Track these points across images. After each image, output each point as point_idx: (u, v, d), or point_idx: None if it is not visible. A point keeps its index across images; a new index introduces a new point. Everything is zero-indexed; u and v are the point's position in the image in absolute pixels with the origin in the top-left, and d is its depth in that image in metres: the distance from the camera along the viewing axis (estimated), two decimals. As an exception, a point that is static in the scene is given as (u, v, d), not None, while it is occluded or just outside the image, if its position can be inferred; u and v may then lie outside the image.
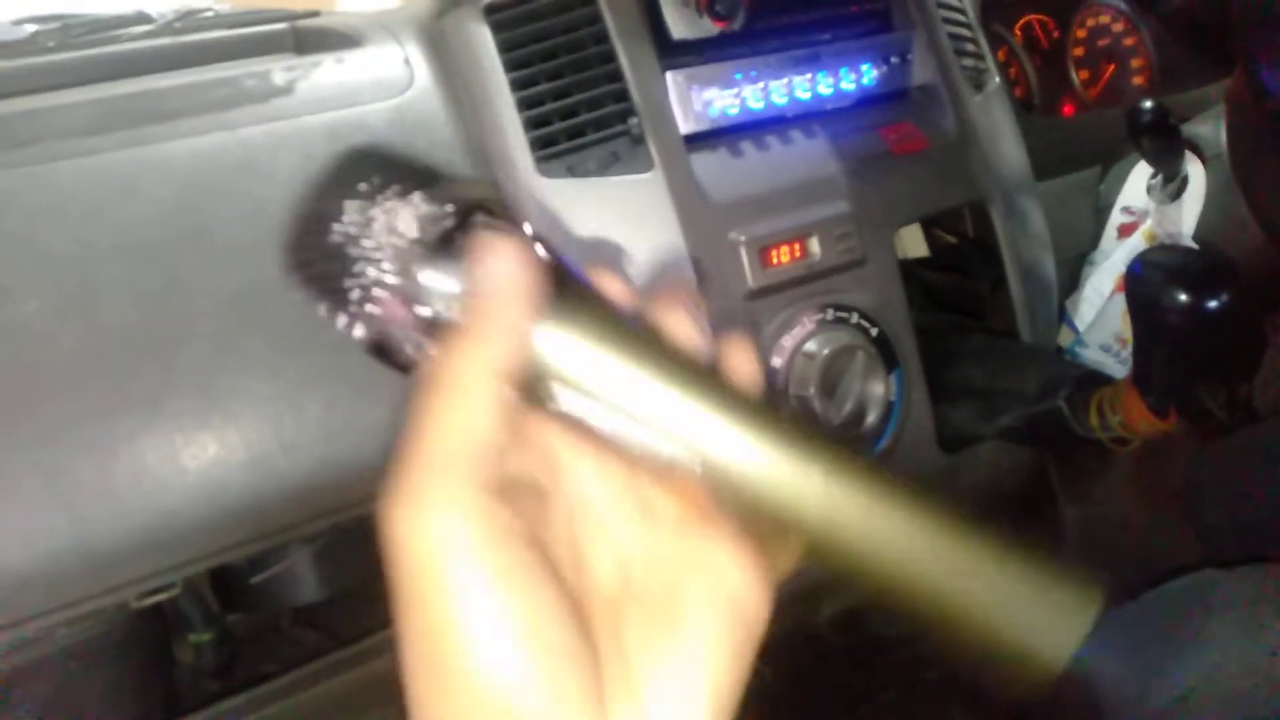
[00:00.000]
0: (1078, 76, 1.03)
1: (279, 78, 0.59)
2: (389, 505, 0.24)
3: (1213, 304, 0.54)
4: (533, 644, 0.23)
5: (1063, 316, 0.88)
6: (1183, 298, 0.55)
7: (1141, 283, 0.57)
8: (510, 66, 0.62)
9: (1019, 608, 0.26)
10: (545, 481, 0.28)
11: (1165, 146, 0.76)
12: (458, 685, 0.23)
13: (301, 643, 0.83)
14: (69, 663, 0.66)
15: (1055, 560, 0.26)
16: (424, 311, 0.26)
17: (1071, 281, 0.89)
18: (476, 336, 0.25)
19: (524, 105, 0.62)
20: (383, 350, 0.27)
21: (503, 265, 0.25)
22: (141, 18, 0.80)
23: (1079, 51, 1.04)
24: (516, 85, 0.62)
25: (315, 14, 0.81)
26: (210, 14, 0.83)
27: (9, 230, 0.47)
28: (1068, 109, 1.02)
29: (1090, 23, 1.04)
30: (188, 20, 0.79)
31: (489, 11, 0.62)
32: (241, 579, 0.75)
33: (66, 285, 0.48)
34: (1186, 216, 0.79)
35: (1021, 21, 1.01)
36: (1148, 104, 0.72)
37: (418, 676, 0.24)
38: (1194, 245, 0.77)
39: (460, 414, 0.24)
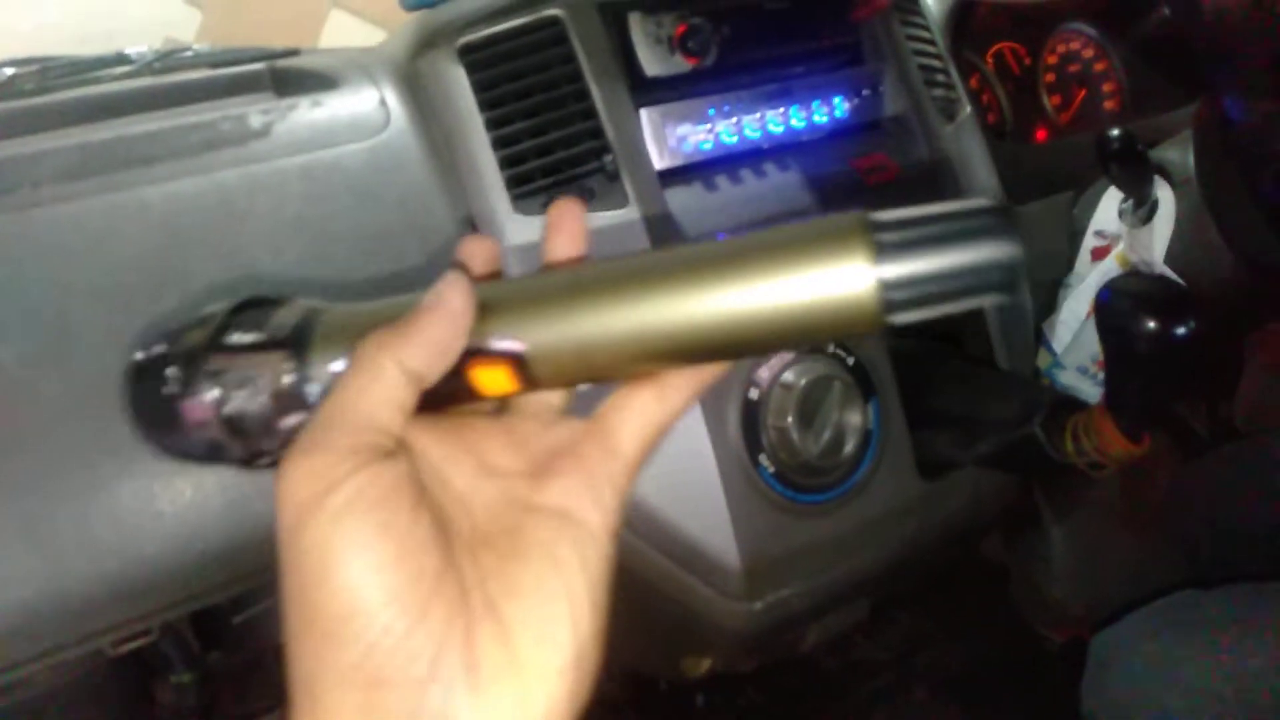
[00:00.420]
0: (1050, 102, 1.05)
1: (255, 120, 0.60)
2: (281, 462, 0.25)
3: (1180, 330, 0.55)
4: (400, 568, 0.24)
5: (1040, 339, 0.88)
6: (1150, 325, 0.55)
7: (1110, 310, 0.58)
8: (485, 106, 0.62)
9: None
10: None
11: (1134, 172, 0.77)
12: (328, 623, 0.24)
13: (281, 680, 0.82)
14: (47, 708, 0.65)
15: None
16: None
17: (1048, 305, 0.90)
18: (401, 334, 0.27)
19: (499, 144, 0.62)
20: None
21: (448, 289, 0.28)
22: (121, 59, 0.81)
23: (1050, 78, 1.05)
24: (492, 124, 0.62)
25: (295, 52, 0.81)
26: (189, 54, 0.84)
27: (-15, 279, 0.48)
28: (1040, 134, 1.04)
29: (1061, 49, 1.05)
30: (167, 60, 0.80)
31: (464, 52, 0.63)
32: (223, 619, 0.75)
33: (45, 330, 0.48)
34: (1158, 240, 0.80)
35: (993, 49, 1.03)
36: (1115, 131, 0.73)
37: (293, 631, 0.25)
38: (1165, 269, 0.77)
39: (357, 388, 0.26)
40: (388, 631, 0.24)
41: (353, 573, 0.24)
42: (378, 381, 0.26)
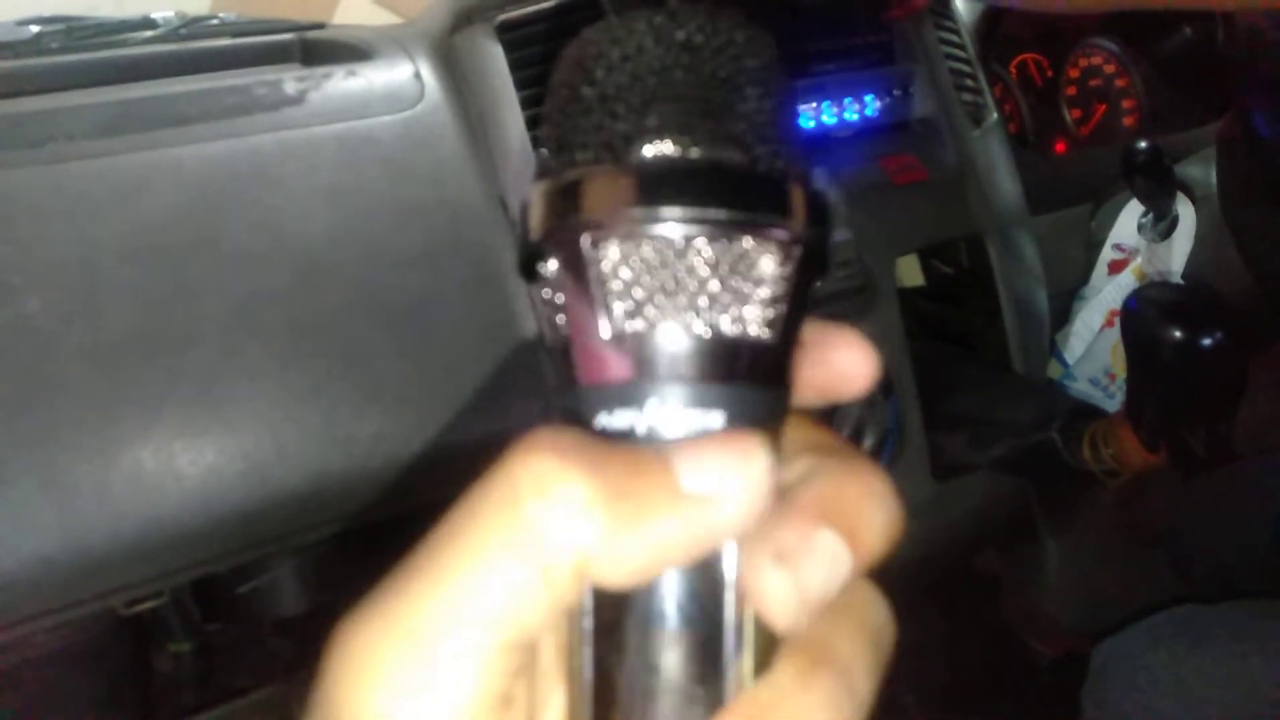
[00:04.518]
0: (1070, 115, 1.05)
1: (290, 87, 0.59)
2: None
3: (1207, 341, 0.55)
4: None
5: (1052, 350, 0.89)
6: (1177, 334, 0.56)
7: (1137, 319, 0.58)
8: (521, 84, 0.62)
9: None
10: None
11: (1158, 186, 0.77)
12: None
13: (280, 654, 0.82)
14: (47, 669, 0.65)
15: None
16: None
17: (1061, 316, 0.90)
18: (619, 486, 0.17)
19: (533, 123, 0.62)
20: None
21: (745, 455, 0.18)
22: (147, 23, 0.80)
23: (1071, 91, 1.06)
24: (526, 103, 0.62)
25: (321, 26, 0.81)
26: (215, 22, 0.83)
27: (16, 229, 0.47)
28: (1060, 146, 1.04)
29: (1083, 63, 1.06)
30: (193, 27, 0.79)
31: (502, 29, 0.63)
32: (226, 589, 0.74)
33: (72, 286, 0.48)
34: (1176, 255, 0.80)
35: (1017, 60, 1.03)
36: (1143, 144, 0.73)
37: None
38: (1184, 284, 0.78)
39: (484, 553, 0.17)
40: None
41: None
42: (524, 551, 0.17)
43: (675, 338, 0.18)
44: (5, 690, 0.63)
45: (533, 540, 0.17)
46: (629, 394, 0.19)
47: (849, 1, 0.73)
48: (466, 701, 0.17)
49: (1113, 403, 0.84)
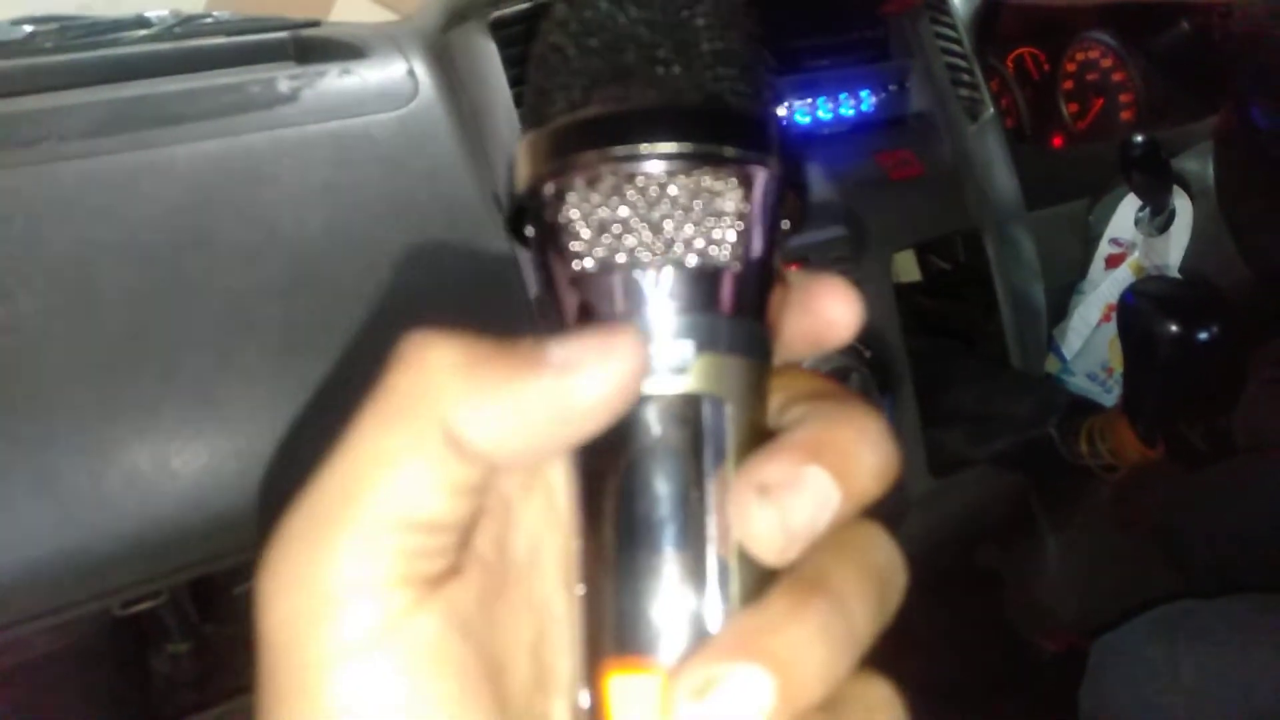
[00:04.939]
0: (1067, 109, 1.05)
1: (284, 85, 0.59)
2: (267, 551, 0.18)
3: (1203, 335, 0.55)
4: None
5: (1049, 345, 0.89)
6: (1174, 328, 0.56)
7: (1134, 313, 0.58)
8: (515, 82, 0.62)
9: None
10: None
11: (1155, 180, 0.77)
12: None
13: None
14: (44, 669, 0.64)
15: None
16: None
17: (1059, 311, 0.90)
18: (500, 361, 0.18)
19: (527, 120, 0.62)
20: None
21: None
22: (140, 22, 0.80)
23: (1069, 85, 1.05)
24: (520, 100, 0.62)
25: (316, 23, 0.81)
26: (209, 20, 0.83)
27: (11, 229, 0.47)
28: (1057, 140, 1.04)
29: (1080, 57, 1.06)
30: (187, 25, 0.79)
31: (495, 26, 0.63)
32: (222, 590, 0.74)
33: (67, 286, 0.48)
34: (1173, 249, 0.80)
35: (1014, 54, 1.03)
36: (1139, 138, 0.73)
37: None
38: (1181, 278, 0.78)
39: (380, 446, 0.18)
40: None
41: None
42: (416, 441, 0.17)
43: (642, 271, 0.19)
44: (2, 691, 0.63)
45: (402, 407, 0.18)
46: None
47: (844, -3, 0.73)
48: (370, 584, 0.17)
49: (1110, 397, 0.83)
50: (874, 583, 0.19)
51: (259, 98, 0.58)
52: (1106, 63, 1.06)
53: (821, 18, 0.72)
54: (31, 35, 0.74)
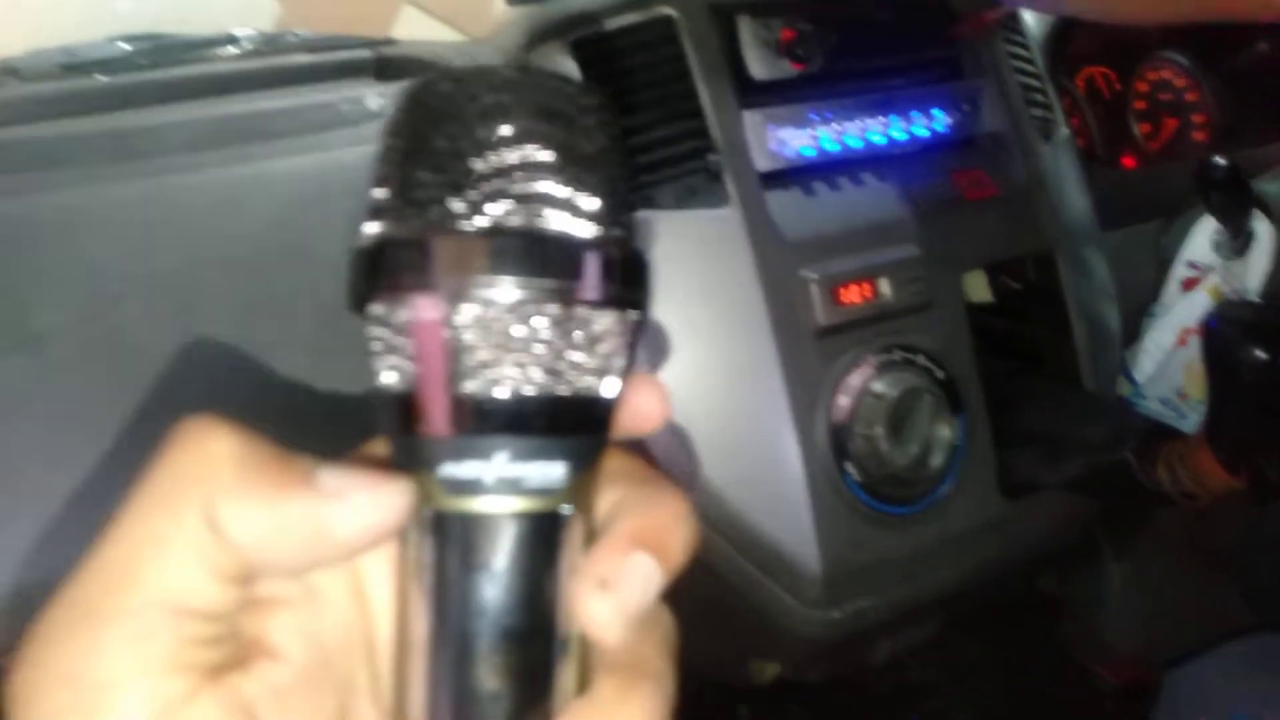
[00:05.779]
0: (1139, 129, 1.04)
1: (373, 103, 0.61)
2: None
3: (1292, 362, 0.54)
4: None
5: (1121, 368, 0.87)
6: (1261, 355, 0.55)
7: (1218, 338, 0.57)
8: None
9: None
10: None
11: (1234, 202, 0.76)
12: None
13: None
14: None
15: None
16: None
17: (1131, 333, 0.89)
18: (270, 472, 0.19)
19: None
20: None
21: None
22: (230, 39, 0.83)
23: (1140, 105, 1.04)
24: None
25: (392, 42, 0.83)
26: (293, 38, 0.86)
27: (124, 240, 0.49)
28: (1128, 161, 1.03)
29: (1152, 76, 1.04)
30: (274, 43, 0.82)
31: (577, 47, 0.64)
32: None
33: (171, 295, 0.50)
34: (1253, 273, 0.79)
35: (1084, 73, 1.02)
36: (1220, 159, 0.72)
37: None
38: (1265, 303, 0.76)
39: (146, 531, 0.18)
40: None
41: None
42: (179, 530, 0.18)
43: (519, 395, 0.20)
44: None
45: (170, 490, 0.18)
46: (475, 446, 0.20)
47: (917, 16, 0.73)
48: (143, 672, 0.17)
49: (1184, 423, 0.82)
50: (671, 650, 0.22)
51: (349, 115, 0.60)
52: (1180, 83, 1.04)
53: (896, 37, 0.72)
54: (129, 55, 0.77)
